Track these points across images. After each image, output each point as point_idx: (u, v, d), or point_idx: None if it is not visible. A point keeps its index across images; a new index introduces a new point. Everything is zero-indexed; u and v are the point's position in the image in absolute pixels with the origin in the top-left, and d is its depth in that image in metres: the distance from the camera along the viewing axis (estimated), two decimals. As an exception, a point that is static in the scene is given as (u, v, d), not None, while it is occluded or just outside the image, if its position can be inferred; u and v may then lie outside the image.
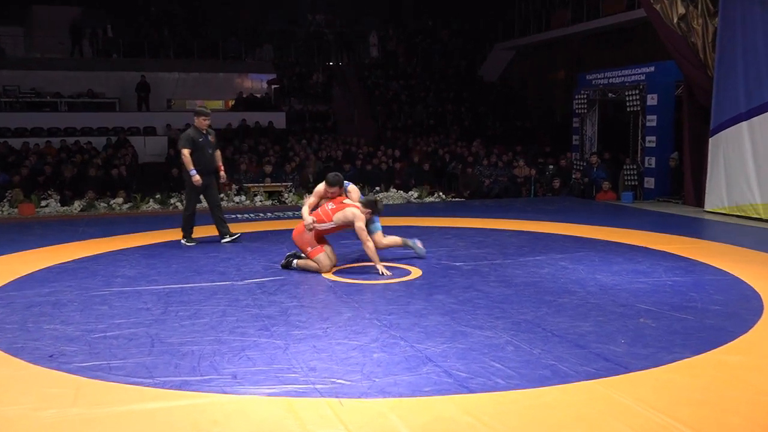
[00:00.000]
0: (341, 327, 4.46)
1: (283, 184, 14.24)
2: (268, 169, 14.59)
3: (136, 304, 5.15)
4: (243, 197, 13.54)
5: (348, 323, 4.55)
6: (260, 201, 13.51)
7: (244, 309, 4.96)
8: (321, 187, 6.57)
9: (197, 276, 6.16)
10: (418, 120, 21.01)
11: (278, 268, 6.45)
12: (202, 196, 8.52)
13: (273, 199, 13.71)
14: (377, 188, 14.15)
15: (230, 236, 8.17)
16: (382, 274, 5.99)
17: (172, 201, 13.25)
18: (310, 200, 6.56)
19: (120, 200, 12.82)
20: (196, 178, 7.86)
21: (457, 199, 14.12)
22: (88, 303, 5.18)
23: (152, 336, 4.29)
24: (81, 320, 4.69)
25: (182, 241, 8.09)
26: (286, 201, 13.78)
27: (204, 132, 8.13)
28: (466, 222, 9.91)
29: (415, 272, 6.24)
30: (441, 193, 14.20)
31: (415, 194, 13.96)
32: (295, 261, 6.33)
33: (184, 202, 8.36)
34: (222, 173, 8.29)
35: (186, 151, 7.88)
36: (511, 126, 20.76)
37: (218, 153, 8.30)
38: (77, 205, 12.26)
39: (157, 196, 13.09)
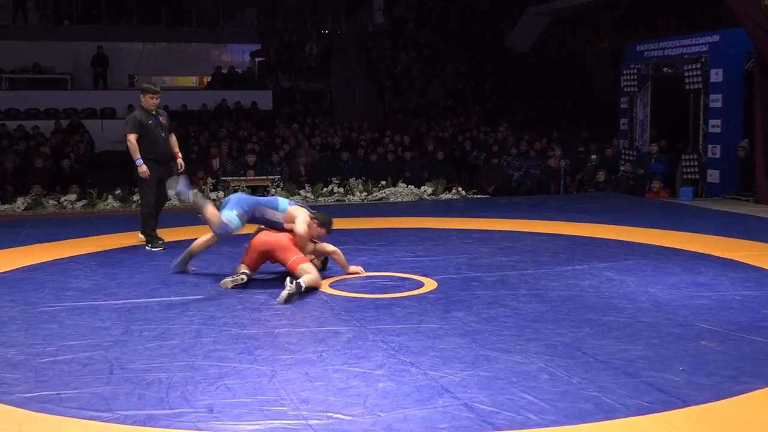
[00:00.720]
0: (339, 350, 4.47)
1: (270, 177, 14.27)
2: (252, 159, 14.63)
3: (91, 322, 5.17)
4: (221, 193, 13.58)
5: (348, 346, 4.55)
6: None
7: (222, 328, 4.97)
8: (306, 220, 6.38)
9: (165, 288, 6.18)
10: (432, 100, 21.03)
11: (262, 280, 6.47)
12: None
13: (257, 196, 13.72)
14: (383, 183, 14.17)
15: (153, 245, 8.20)
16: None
17: (135, 198, 13.29)
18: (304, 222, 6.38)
19: (72, 197, 12.87)
20: (143, 169, 7.96)
21: (479, 196, 14.12)
22: (34, 321, 5.21)
23: (111, 361, 4.31)
24: (25, 342, 4.71)
25: (147, 247, 8.13)
26: (273, 198, 13.79)
27: (153, 113, 8.19)
28: (490, 223, 9.90)
29: (429, 284, 6.25)
30: (460, 189, 14.20)
31: (429, 190, 13.97)
32: (299, 282, 5.80)
33: (140, 198, 8.44)
34: (179, 160, 8.35)
35: (132, 137, 7.95)
36: (545, 107, 20.78)
37: (173, 138, 8.37)
38: (21, 202, 12.32)
39: (118, 191, 13.14)
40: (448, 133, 18.21)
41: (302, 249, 6.30)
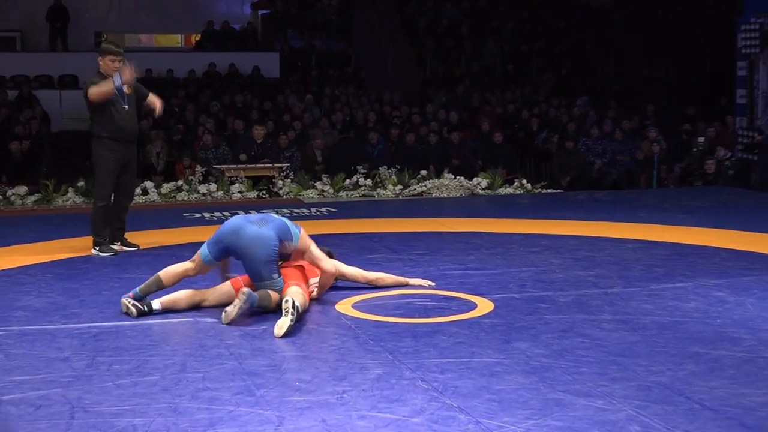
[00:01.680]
0: (366, 391, 4.46)
1: (276, 165, 14.34)
2: (260, 132, 14.68)
3: (47, 351, 5.22)
4: (213, 186, 13.67)
5: (377, 385, 4.55)
6: (240, 192, 13.62)
7: (214, 361, 4.99)
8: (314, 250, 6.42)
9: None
10: (487, 65, 20.98)
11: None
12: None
13: (260, 189, 13.81)
14: (423, 173, 14.17)
15: (102, 249, 8.31)
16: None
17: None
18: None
19: (22, 190, 13.02)
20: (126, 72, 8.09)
21: (550, 191, 14.06)
22: (-26, 349, 5.26)
23: (72, 402, 4.34)
24: (-37, 375, 4.76)
25: (93, 251, 8.31)
26: (280, 192, 13.87)
27: None
28: (564, 226, 9.84)
29: (484, 305, 6.23)
30: (524, 181, 14.17)
31: (484, 182, 13.95)
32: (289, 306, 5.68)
33: (93, 188, 8.54)
34: (157, 105, 8.48)
35: (92, 89, 8.10)
36: (636, 75, 20.63)
37: (151, 98, 8.52)
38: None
39: (80, 183, 13.27)
40: (509, 109, 18.17)
41: (324, 288, 6.44)
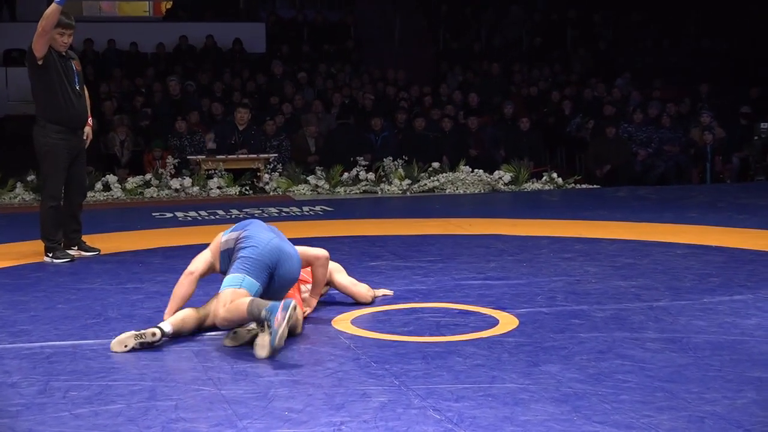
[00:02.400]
0: (368, 422, 4.47)
1: (262, 157, 14.36)
2: (243, 116, 14.70)
3: (-9, 374, 5.23)
4: (187, 180, 13.70)
5: (381, 415, 4.55)
6: (219, 188, 13.64)
7: (189, 386, 5.00)
8: None
9: (104, 325, 6.23)
10: (512, 38, 20.98)
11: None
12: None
13: (242, 185, 13.84)
14: (435, 165, 14.19)
15: (57, 255, 8.31)
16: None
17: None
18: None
19: (-38, 185, 13.04)
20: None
21: (584, 186, 14.08)
22: None
23: (22, 434, 4.36)
24: None
25: (46, 258, 8.33)
26: (267, 188, 13.89)
27: (63, 54, 8.34)
28: (601, 228, 9.85)
29: (507, 321, 6.23)
30: (554, 175, 14.19)
31: (507, 176, 13.97)
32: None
33: (43, 185, 8.54)
34: (88, 129, 8.51)
35: (39, 29, 8.15)
36: (687, 50, 20.62)
37: (86, 93, 8.58)
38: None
39: (30, 177, 13.31)
40: (536, 89, 18.18)
41: (321, 284, 6.48)
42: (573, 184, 14.08)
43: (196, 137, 14.93)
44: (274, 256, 5.88)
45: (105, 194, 13.32)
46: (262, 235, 5.94)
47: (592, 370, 5.20)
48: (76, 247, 8.58)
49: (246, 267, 5.82)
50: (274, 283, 5.92)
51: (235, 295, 5.68)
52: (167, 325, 5.76)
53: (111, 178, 13.62)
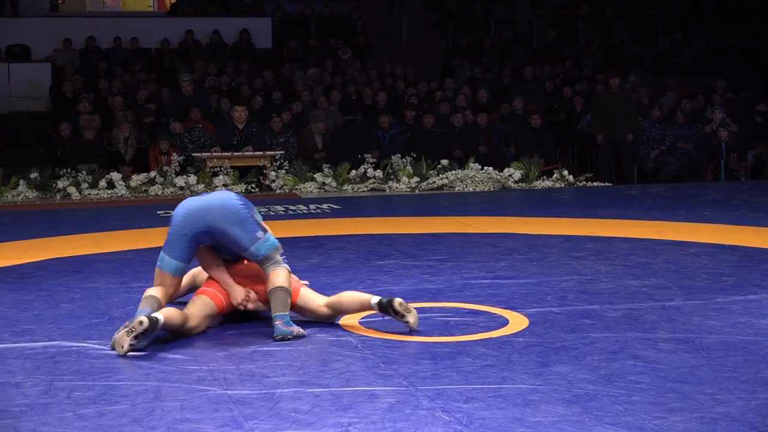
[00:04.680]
0: (376, 423, 4.47)
1: (268, 154, 14.36)
2: (240, 123, 14.73)
3: (-5, 375, 5.25)
4: (193, 177, 13.71)
5: (389, 416, 4.56)
6: (224, 185, 13.64)
7: (194, 387, 5.01)
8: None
9: (109, 325, 6.24)
10: (522, 33, 20.95)
11: (259, 315, 6.51)
12: None
13: (248, 182, 13.84)
14: (443, 162, 14.19)
15: None
16: None
17: (59, 184, 13.47)
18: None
19: (-36, 183, 13.06)
20: None
21: (596, 184, 14.06)
22: None
23: (25, 435, 4.38)
24: None
25: None
26: (273, 186, 13.90)
27: None
28: (613, 227, 9.82)
29: (518, 321, 6.24)
30: (565, 172, 14.17)
31: (517, 174, 13.96)
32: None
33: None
34: None
35: None
36: (702, 45, 20.58)
37: None
38: None
39: (34, 174, 13.33)
40: (548, 86, 18.15)
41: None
42: (584, 182, 14.06)
43: (195, 133, 14.91)
44: (187, 221, 5.95)
45: (109, 192, 13.33)
46: (178, 209, 6.06)
47: (603, 370, 5.20)
48: None
49: (165, 245, 6.02)
50: (213, 241, 6.02)
51: (157, 278, 6.02)
52: (159, 314, 5.71)
53: (115, 176, 13.63)
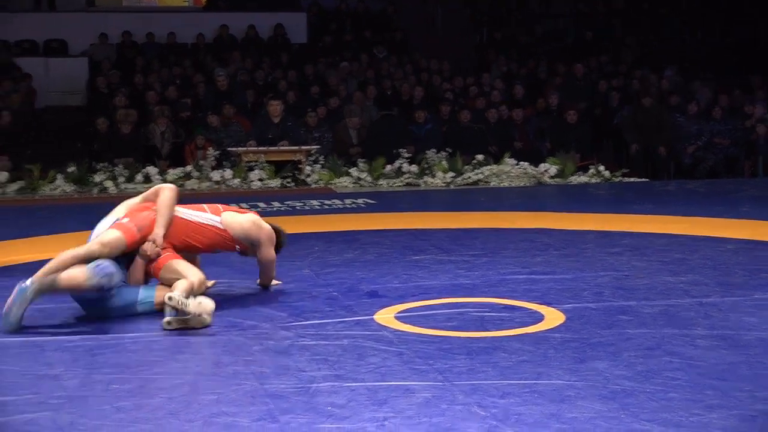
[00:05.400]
0: (411, 418, 4.48)
1: (303, 148, 14.40)
2: (275, 117, 14.76)
3: (33, 366, 5.29)
4: (229, 172, 13.76)
5: (425, 411, 4.56)
6: (260, 180, 13.69)
7: (230, 380, 5.03)
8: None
9: (145, 317, 6.29)
10: (556, 28, 20.89)
11: (293, 307, 6.54)
12: None
13: (284, 177, 13.88)
14: (479, 158, 14.18)
15: None
16: None
17: (96, 178, 13.55)
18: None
19: (3, 176, 13.16)
20: None
21: (632, 180, 14.01)
22: (-52, 364, 5.34)
23: (64, 427, 4.39)
24: (-65, 395, 4.84)
25: None
26: (308, 180, 13.93)
27: None
28: (649, 223, 9.80)
29: (554, 316, 6.23)
30: (601, 168, 14.12)
31: (553, 169, 13.94)
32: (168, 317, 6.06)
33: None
34: None
35: None
36: (739, 40, 20.44)
37: None
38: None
39: (71, 168, 13.42)
40: (584, 81, 18.08)
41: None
42: (620, 177, 14.01)
43: (231, 128, 14.98)
44: None
45: (145, 186, 13.36)
46: None
47: (640, 367, 5.18)
48: None
49: None
50: None
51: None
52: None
53: (151, 170, 13.71)
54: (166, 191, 6.57)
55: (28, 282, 5.94)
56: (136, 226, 6.39)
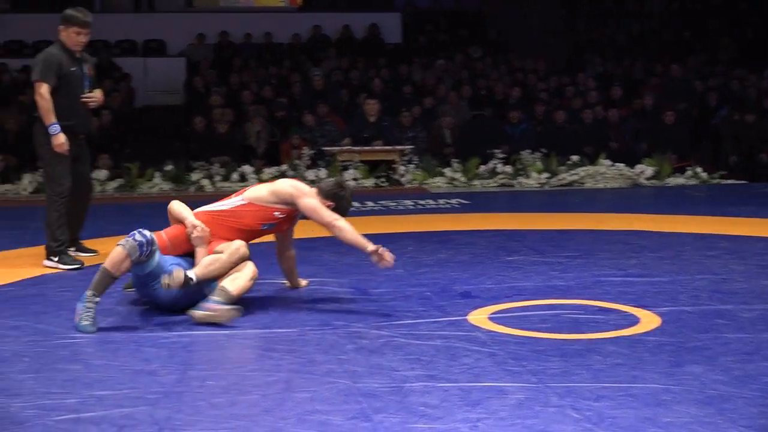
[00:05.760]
0: (505, 419, 4.47)
1: (397, 148, 14.43)
2: (371, 117, 14.81)
3: (131, 362, 5.38)
4: (323, 171, 13.83)
5: (518, 413, 4.54)
6: (354, 179, 13.74)
7: (324, 379, 5.06)
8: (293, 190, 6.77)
9: (240, 315, 6.35)
10: (653, 27, 20.68)
11: (386, 307, 6.56)
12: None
13: (378, 176, 13.92)
14: (574, 158, 14.09)
15: (63, 261, 8.13)
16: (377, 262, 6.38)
17: (193, 176, 13.71)
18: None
19: (103, 174, 13.37)
20: (60, 140, 7.92)
21: (730, 182, 13.82)
22: (49, 359, 5.44)
23: (160, 422, 4.46)
24: (36, 389, 4.92)
25: (49, 262, 8.10)
26: (402, 180, 13.95)
27: (77, 56, 8.25)
28: (748, 225, 9.69)
29: (649, 320, 6.18)
30: (699, 169, 13.96)
31: (649, 170, 13.81)
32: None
33: (46, 187, 8.41)
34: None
35: (45, 88, 7.95)
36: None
37: (99, 94, 8.47)
38: (28, 181, 12.90)
39: (169, 167, 13.59)
40: (682, 82, 17.86)
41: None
42: (718, 179, 13.84)
43: (326, 127, 15.07)
44: None
45: (241, 185, 13.50)
46: None
47: (737, 372, 5.12)
48: (74, 248, 8.44)
49: None
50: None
51: None
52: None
53: (247, 169, 13.83)
54: (172, 203, 6.90)
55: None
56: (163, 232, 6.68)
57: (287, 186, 6.73)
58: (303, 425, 4.40)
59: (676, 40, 20.23)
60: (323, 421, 4.45)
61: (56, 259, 8.03)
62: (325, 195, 6.69)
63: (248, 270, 6.39)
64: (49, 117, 7.86)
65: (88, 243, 8.75)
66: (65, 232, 8.15)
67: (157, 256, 6.24)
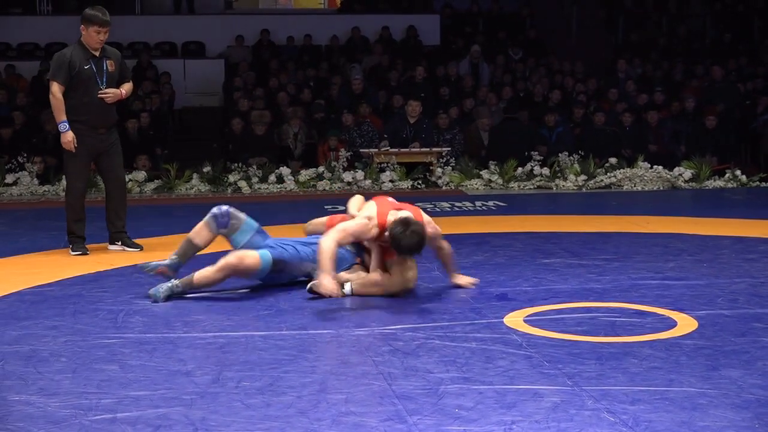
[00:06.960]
0: (540, 422, 4.46)
1: (434, 150, 14.42)
2: (412, 118, 14.80)
3: (166, 363, 5.41)
4: (360, 173, 13.86)
5: (553, 416, 4.53)
6: (391, 181, 13.76)
7: (359, 380, 5.06)
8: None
9: (277, 317, 6.39)
10: (695, 29, 20.57)
11: (422, 309, 6.56)
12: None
13: (415, 178, 13.93)
14: (612, 161, 14.04)
15: (128, 246, 8.60)
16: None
17: (231, 178, 13.76)
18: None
19: (141, 176, 13.45)
20: (67, 138, 8.24)
21: (770, 184, 13.75)
22: (85, 359, 5.49)
23: (195, 422, 4.48)
24: (73, 389, 4.96)
25: (72, 251, 8.57)
26: (439, 182, 13.96)
27: (97, 55, 8.38)
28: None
29: (686, 323, 6.14)
30: (738, 172, 13.87)
31: (688, 173, 13.74)
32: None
33: (65, 182, 8.73)
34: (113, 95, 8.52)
35: (56, 87, 8.21)
36: None
37: (128, 87, 8.68)
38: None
39: (207, 169, 13.65)
40: (723, 83, 17.74)
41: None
42: (758, 182, 13.74)
43: (364, 128, 15.09)
44: None
45: (278, 186, 13.57)
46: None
47: (777, 376, 5.09)
48: (119, 243, 8.78)
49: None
50: None
51: None
52: None
53: (284, 171, 13.87)
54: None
55: None
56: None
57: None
58: (338, 427, 4.41)
59: (718, 41, 20.10)
60: (358, 423, 4.45)
61: (71, 247, 8.62)
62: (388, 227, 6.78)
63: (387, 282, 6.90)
64: (59, 115, 8.27)
65: (150, 242, 9.04)
66: (78, 225, 8.68)
67: (247, 233, 7.05)
